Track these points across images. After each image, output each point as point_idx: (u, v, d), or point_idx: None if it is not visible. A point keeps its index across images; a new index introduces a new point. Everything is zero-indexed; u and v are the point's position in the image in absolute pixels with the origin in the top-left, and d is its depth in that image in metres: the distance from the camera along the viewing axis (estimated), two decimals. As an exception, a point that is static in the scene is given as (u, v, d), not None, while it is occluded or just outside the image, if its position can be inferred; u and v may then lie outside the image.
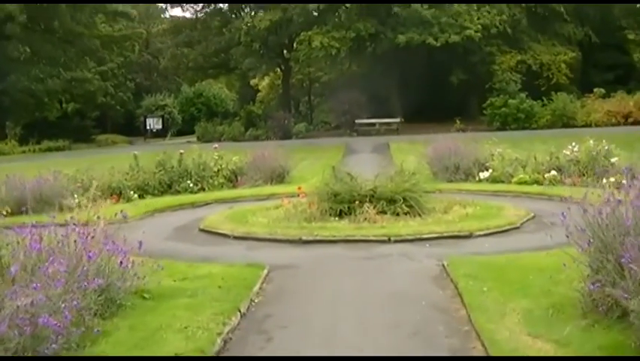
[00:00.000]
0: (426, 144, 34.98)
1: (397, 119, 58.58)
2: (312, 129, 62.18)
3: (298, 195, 18.95)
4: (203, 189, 25.96)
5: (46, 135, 60.83)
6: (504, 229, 16.28)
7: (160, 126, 75.56)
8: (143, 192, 25.08)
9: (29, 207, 14.82)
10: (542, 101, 56.13)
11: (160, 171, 26.17)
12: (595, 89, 55.37)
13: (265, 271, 12.77)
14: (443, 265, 12.83)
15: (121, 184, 24.51)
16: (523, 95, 56.53)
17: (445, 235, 15.60)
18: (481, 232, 15.83)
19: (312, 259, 14.16)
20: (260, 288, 11.83)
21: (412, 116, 58.89)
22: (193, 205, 22.99)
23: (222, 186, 26.46)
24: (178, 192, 25.61)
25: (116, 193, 24.23)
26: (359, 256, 14.21)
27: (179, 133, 76.25)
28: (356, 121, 58.47)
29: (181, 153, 26.81)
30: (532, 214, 17.90)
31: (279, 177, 27.20)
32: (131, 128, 77.45)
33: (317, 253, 14.71)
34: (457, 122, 54.79)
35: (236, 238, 16.44)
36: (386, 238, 15.36)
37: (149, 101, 78.36)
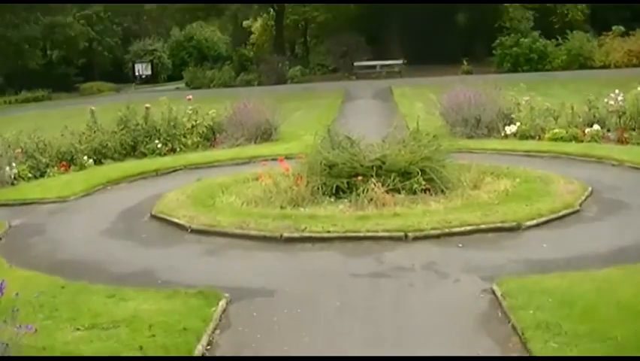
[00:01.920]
0: (432, 89, 30.17)
1: (399, 61, 53.24)
2: (307, 73, 56.91)
3: (282, 165, 14.19)
4: (174, 151, 21.34)
5: (28, 85, 55.71)
6: (560, 214, 11.70)
7: (149, 72, 71.80)
8: (101, 156, 20.45)
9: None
10: (556, 40, 50.85)
11: (122, 129, 21.47)
12: (613, 27, 49.91)
13: (220, 306, 8.24)
14: (494, 293, 8.25)
15: (72, 148, 19.86)
16: (535, 33, 51.29)
17: (484, 227, 11.00)
18: (532, 222, 11.25)
19: (295, 275, 9.67)
20: (207, 345, 7.29)
21: (414, 59, 53.66)
22: (157, 173, 18.40)
23: (197, 147, 21.78)
24: (144, 155, 21.00)
25: (67, 159, 19.64)
26: (364, 270, 9.64)
27: (170, 79, 71.68)
28: (355, 63, 53.30)
29: (147, 108, 22.02)
30: (589, 188, 13.30)
31: (265, 135, 22.42)
32: (120, 75, 72.37)
33: (302, 262, 10.28)
34: (465, 63, 49.81)
35: (194, 231, 11.94)
36: (402, 235, 10.80)
37: (138, 46, 73.93)
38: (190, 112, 22.43)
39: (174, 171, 18.64)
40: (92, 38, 69.70)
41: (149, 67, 72.04)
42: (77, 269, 10.27)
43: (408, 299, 8.45)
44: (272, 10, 64.11)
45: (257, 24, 71.01)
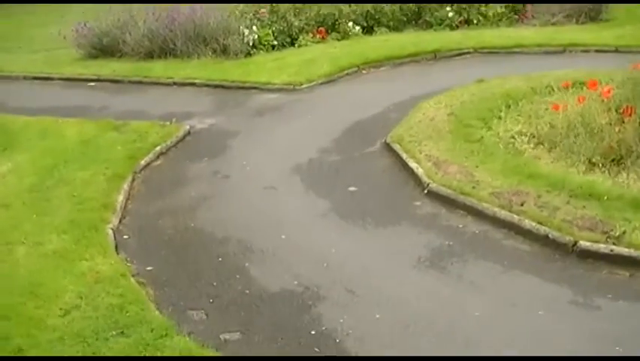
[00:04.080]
0: None
1: None
2: None
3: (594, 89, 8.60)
4: (468, 23, 15.94)
5: None
6: None
7: None
8: (373, 21, 15.66)
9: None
10: None
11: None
12: None
13: None
14: None
15: (336, 10, 15.24)
16: None
17: None
18: None
19: None
20: None
21: None
22: (435, 56, 13.38)
23: (500, 20, 16.16)
24: (429, 25, 15.89)
25: (327, 24, 15.15)
26: None
27: None
28: None
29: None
30: None
31: (593, 11, 16.19)
32: None
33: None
34: None
35: (431, 194, 7.09)
36: None
37: None
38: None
39: (459, 54, 13.50)
40: None
41: None
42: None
43: None
44: None
45: None
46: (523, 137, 8.04)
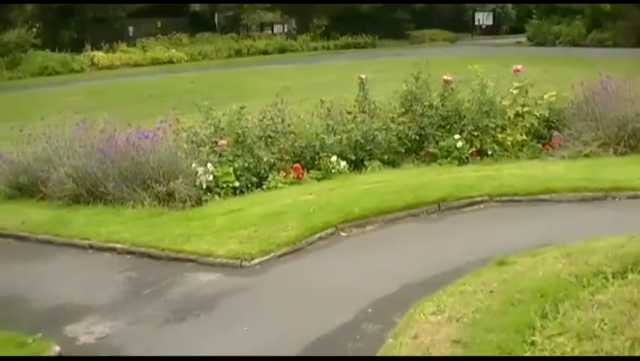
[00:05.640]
0: None
1: None
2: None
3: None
4: (482, 154, 12.84)
5: (353, 29, 48.82)
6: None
7: (490, 22, 64.39)
8: (364, 154, 12.58)
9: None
10: None
11: (404, 114, 13.27)
12: None
13: None
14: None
15: (318, 140, 12.15)
16: None
17: None
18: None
19: None
20: None
21: None
22: (439, 207, 10.11)
23: (521, 149, 13.06)
24: (432, 159, 12.75)
25: (305, 158, 12.09)
26: None
27: (512, 31, 62.39)
28: None
29: (446, 82, 13.57)
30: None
31: (634, 139, 12.98)
32: (458, 24, 64.29)
33: None
34: None
35: None
36: None
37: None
38: (515, 91, 13.67)
39: (470, 204, 10.23)
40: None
41: (491, 16, 64.30)
42: None
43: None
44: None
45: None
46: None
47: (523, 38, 50.05)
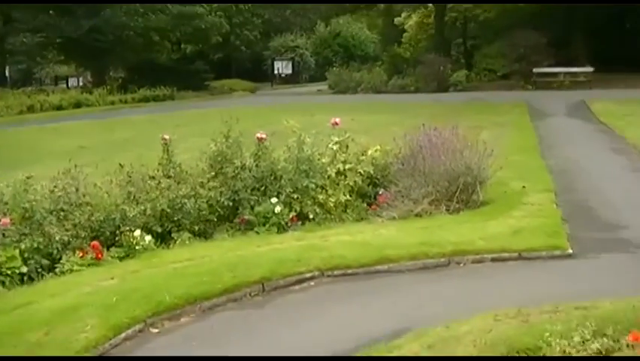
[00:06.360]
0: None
1: (588, 69, 41.66)
2: (473, 79, 45.96)
3: None
4: (302, 219, 11.44)
5: (151, 81, 46.89)
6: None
7: (290, 71, 64.47)
8: (172, 225, 10.84)
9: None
10: None
11: (214, 177, 11.67)
12: None
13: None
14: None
15: (119, 212, 10.33)
16: None
17: None
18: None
19: None
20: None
21: (599, 66, 41.76)
22: (263, 287, 8.60)
23: (345, 211, 11.82)
24: (249, 227, 11.18)
25: (105, 234, 10.28)
26: None
27: (312, 79, 62.84)
28: (534, 70, 41.81)
29: (259, 139, 12.11)
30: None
31: (464, 193, 12.00)
32: (258, 73, 63.92)
33: None
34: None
35: None
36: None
37: (279, 41, 65.83)
38: (335, 146, 12.43)
39: (298, 281, 8.77)
40: (228, 32, 60.63)
41: (290, 65, 64.21)
42: None
43: None
44: (431, 4, 53.17)
45: (411, 21, 59.99)
46: None
47: (324, 86, 49.87)
